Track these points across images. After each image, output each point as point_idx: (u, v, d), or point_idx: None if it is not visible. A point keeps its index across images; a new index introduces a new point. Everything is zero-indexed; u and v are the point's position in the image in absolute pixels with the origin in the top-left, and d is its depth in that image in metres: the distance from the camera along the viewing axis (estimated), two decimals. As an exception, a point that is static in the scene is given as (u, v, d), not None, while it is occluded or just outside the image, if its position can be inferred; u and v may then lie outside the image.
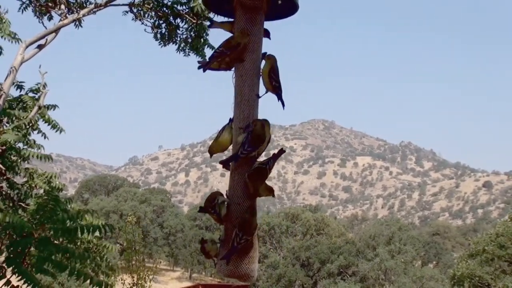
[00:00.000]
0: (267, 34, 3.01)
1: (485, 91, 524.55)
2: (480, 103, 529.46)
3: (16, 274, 4.34)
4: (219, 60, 2.93)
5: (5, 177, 6.74)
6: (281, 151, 2.90)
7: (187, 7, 7.29)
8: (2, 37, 6.06)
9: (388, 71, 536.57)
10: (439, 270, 43.68)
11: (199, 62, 2.95)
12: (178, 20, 7.49)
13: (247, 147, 2.72)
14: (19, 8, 7.14)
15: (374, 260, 38.73)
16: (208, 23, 7.40)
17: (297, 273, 40.06)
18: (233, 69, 3.00)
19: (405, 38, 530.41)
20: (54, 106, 6.91)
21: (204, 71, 2.95)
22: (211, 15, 7.04)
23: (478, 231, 62.40)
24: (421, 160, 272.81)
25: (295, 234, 51.46)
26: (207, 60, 2.99)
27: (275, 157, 2.83)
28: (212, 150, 2.98)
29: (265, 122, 2.80)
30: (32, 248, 4.60)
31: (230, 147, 2.97)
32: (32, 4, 7.22)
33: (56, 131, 6.89)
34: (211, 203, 2.84)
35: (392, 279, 37.79)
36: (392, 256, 40.08)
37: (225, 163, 2.82)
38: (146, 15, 7.50)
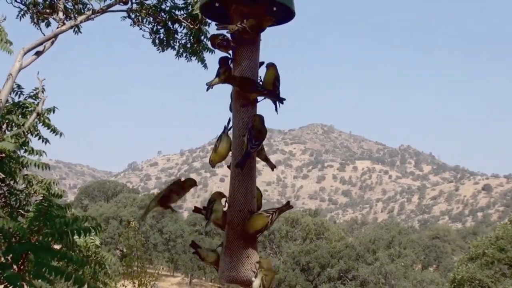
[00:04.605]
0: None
1: (484, 94, 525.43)
2: (479, 106, 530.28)
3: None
4: (222, 73, 2.93)
5: (4, 184, 6.72)
6: (288, 206, 2.97)
7: (185, 12, 7.29)
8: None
9: (386, 75, 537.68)
10: (439, 274, 43.55)
11: (207, 84, 2.97)
12: (177, 25, 7.49)
13: (254, 142, 2.81)
14: (17, 15, 7.14)
15: (374, 264, 38.63)
16: (206, 27, 7.40)
17: (297, 278, 39.95)
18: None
19: (403, 42, 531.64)
20: (52, 109, 6.89)
21: (210, 87, 2.97)
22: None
23: (477, 234, 62.12)
24: (420, 163, 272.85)
25: (295, 239, 51.39)
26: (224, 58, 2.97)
27: (280, 210, 2.90)
28: (213, 161, 3.01)
29: (261, 117, 2.89)
30: (30, 254, 4.58)
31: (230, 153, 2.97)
32: (30, 11, 7.21)
33: (56, 134, 6.89)
34: (208, 204, 2.88)
35: (392, 283, 37.69)
36: (392, 260, 40.00)
37: (242, 165, 2.83)
38: (144, 21, 7.49)
